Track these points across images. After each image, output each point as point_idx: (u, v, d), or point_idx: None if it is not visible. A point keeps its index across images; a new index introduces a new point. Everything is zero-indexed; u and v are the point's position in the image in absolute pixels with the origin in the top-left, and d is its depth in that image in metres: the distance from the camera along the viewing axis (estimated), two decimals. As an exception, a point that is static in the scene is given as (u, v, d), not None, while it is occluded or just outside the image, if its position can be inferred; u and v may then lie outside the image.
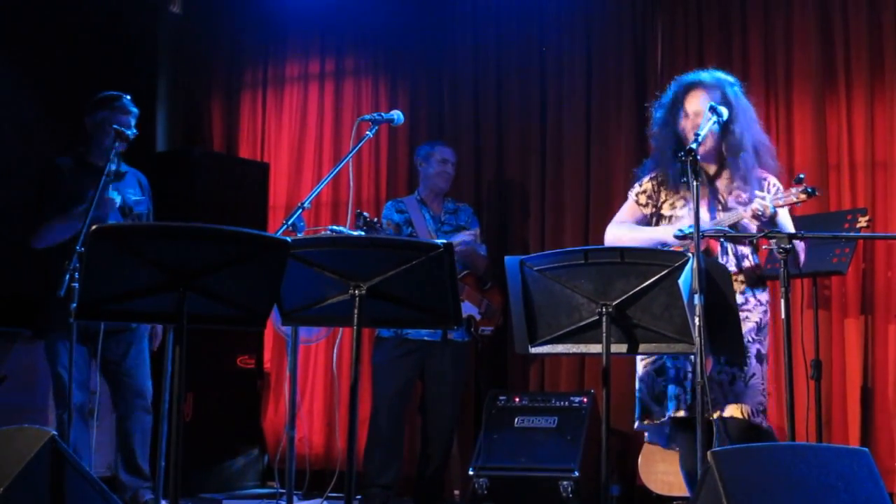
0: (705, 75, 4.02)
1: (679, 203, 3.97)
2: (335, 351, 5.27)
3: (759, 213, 3.69)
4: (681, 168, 3.74)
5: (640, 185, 4.07)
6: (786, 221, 3.87)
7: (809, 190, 3.64)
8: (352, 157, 4.13)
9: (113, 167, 4.59)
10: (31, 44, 6.25)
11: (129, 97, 5.02)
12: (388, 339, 5.44)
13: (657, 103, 4.09)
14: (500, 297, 5.58)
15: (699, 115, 3.88)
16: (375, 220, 5.13)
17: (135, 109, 5.01)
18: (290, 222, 3.91)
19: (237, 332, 5.96)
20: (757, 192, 3.80)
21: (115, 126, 4.76)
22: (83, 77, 6.31)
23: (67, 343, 4.48)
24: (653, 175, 4.06)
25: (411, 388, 5.54)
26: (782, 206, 3.73)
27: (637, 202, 4.06)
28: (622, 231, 4.02)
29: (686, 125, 3.94)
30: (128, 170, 5.12)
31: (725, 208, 3.89)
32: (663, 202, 4.01)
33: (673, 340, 3.30)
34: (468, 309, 5.48)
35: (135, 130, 4.86)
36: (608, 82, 6.09)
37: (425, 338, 5.40)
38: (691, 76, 4.04)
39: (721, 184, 3.96)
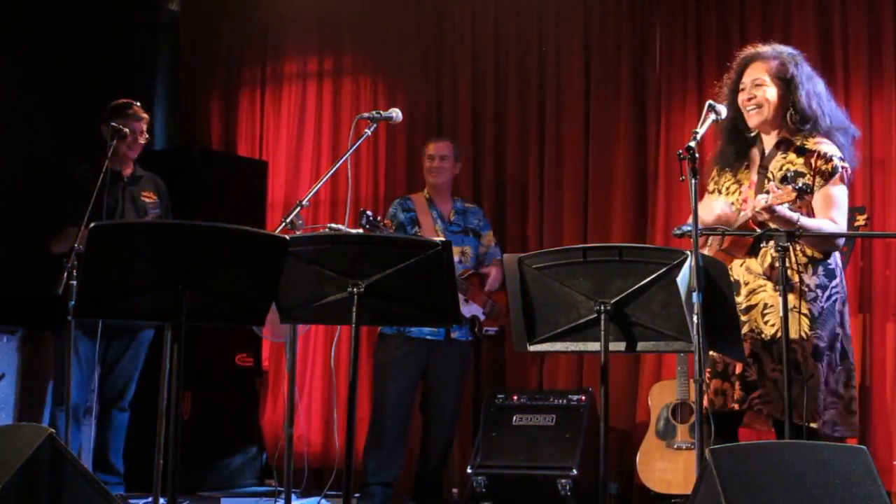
0: (764, 48, 3.92)
1: (733, 187, 3.89)
2: (333, 349, 5.27)
3: (758, 212, 3.63)
4: (735, 148, 3.82)
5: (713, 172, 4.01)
6: (824, 205, 3.71)
7: (799, 187, 3.53)
8: (350, 155, 4.13)
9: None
10: (29, 43, 6.24)
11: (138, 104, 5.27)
12: (391, 337, 5.41)
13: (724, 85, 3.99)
14: (506, 297, 5.54)
15: (757, 85, 3.81)
16: (379, 218, 5.10)
17: (145, 115, 5.26)
18: (288, 220, 3.90)
19: (235, 329, 5.97)
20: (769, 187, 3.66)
21: (112, 123, 4.82)
22: (82, 76, 6.31)
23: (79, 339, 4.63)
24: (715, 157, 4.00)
25: (415, 386, 5.51)
26: (778, 205, 3.55)
27: (707, 190, 3.98)
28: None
29: (742, 98, 3.85)
30: (143, 174, 5.33)
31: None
32: (722, 182, 3.94)
33: (671, 338, 3.30)
34: (472, 310, 5.45)
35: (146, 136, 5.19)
36: (607, 82, 6.09)
37: (427, 336, 5.37)
38: (750, 51, 3.93)
39: (774, 162, 3.82)
